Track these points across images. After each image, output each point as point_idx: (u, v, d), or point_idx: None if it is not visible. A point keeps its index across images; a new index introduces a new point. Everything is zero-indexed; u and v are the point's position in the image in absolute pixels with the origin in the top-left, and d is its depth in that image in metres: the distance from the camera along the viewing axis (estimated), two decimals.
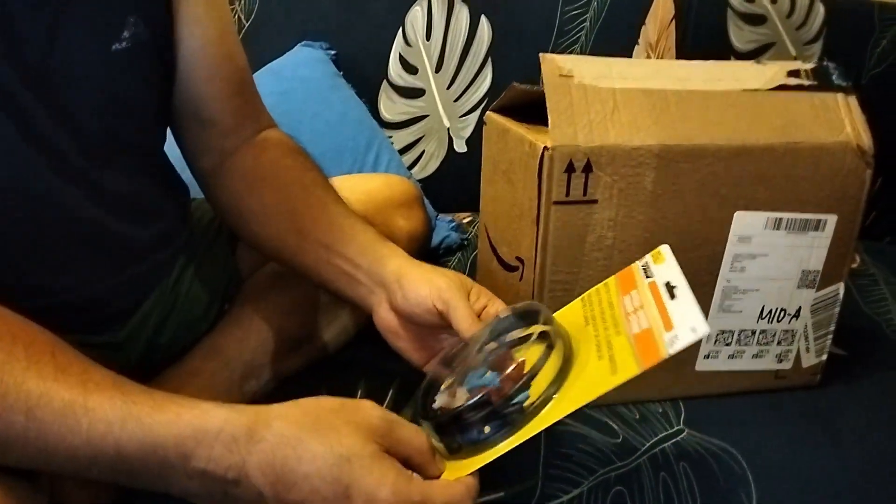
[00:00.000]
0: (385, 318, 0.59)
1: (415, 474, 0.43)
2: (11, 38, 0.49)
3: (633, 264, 0.52)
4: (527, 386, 0.45)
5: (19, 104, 0.50)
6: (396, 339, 0.59)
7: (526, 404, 0.45)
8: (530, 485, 0.59)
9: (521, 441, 0.44)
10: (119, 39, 0.57)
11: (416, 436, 0.45)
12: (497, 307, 0.56)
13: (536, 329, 0.50)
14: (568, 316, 0.53)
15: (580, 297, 0.54)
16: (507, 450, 0.45)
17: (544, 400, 0.45)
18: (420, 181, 1.20)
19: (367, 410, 0.44)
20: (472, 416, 0.45)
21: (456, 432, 0.46)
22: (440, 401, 0.49)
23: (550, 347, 0.47)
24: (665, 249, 0.50)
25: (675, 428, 0.66)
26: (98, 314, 0.64)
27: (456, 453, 0.46)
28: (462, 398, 0.47)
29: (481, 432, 0.45)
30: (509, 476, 0.60)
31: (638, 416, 0.67)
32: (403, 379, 0.69)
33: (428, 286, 0.56)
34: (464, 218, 1.18)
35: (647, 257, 0.51)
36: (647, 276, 0.49)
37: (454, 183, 1.22)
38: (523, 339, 0.51)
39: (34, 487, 0.46)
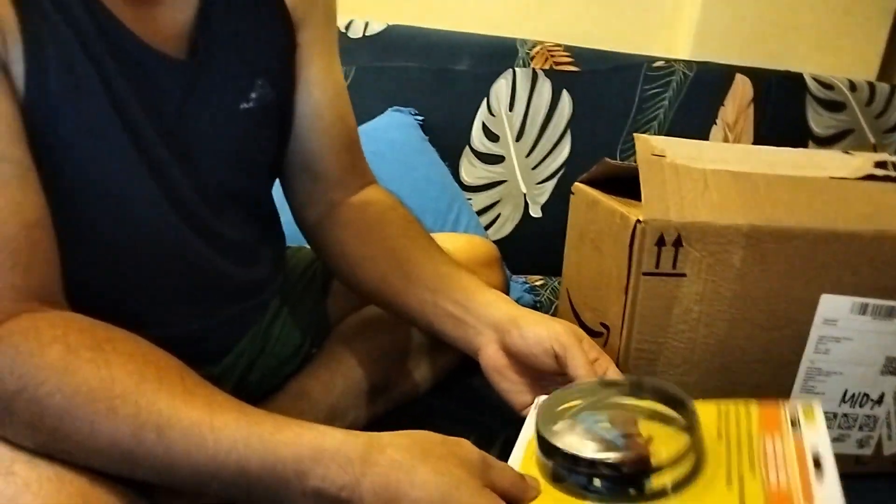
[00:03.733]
0: (493, 357, 0.61)
1: None
2: (152, 95, 0.55)
3: (780, 403, 0.53)
4: (653, 470, 0.46)
5: (154, 154, 0.56)
6: (501, 379, 0.61)
7: (646, 490, 0.46)
8: None
9: None
10: (247, 100, 0.63)
11: (507, 471, 0.48)
12: (606, 363, 0.59)
13: (673, 413, 0.51)
14: (700, 415, 0.53)
15: (715, 402, 0.55)
16: None
17: (661, 493, 0.46)
18: (494, 242, 1.24)
19: (467, 447, 0.47)
20: (595, 470, 0.46)
21: (570, 470, 0.47)
22: (560, 429, 0.50)
23: (689, 445, 0.48)
24: (818, 407, 0.52)
25: None
26: (199, 349, 0.68)
27: (556, 482, 0.48)
28: (589, 446, 0.48)
29: (591, 484, 0.47)
30: None
31: None
32: (483, 427, 0.71)
33: (547, 329, 0.59)
34: (536, 281, 1.21)
35: (798, 406, 0.52)
36: (794, 428, 0.50)
37: (528, 246, 1.26)
38: (654, 415, 0.53)
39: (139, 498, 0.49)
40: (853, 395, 0.68)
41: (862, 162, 0.70)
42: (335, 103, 0.73)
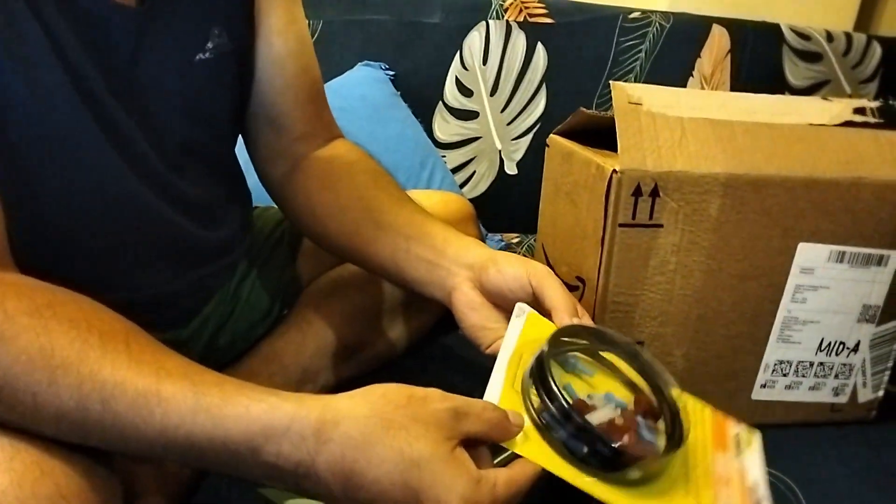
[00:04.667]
0: (467, 293, 0.60)
1: (482, 474, 0.43)
2: (101, 44, 0.52)
3: (728, 419, 0.56)
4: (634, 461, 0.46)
5: (105, 108, 0.52)
6: (473, 314, 0.60)
7: (621, 474, 0.46)
8: None
9: (583, 489, 0.45)
10: (203, 50, 0.60)
11: (486, 413, 0.45)
12: (582, 311, 0.57)
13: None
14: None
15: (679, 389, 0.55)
16: (572, 482, 0.45)
17: (628, 481, 0.46)
18: (470, 200, 1.22)
19: (434, 403, 0.44)
20: (591, 438, 0.45)
21: (563, 428, 0.46)
22: (559, 379, 0.49)
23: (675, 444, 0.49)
24: (757, 438, 0.55)
25: None
26: (165, 313, 0.66)
27: (541, 430, 0.47)
28: (600, 414, 0.48)
29: (579, 449, 0.46)
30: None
31: None
32: (456, 388, 0.70)
33: (525, 266, 0.58)
34: (512, 238, 1.19)
35: (742, 430, 0.55)
36: (739, 452, 0.53)
37: (503, 204, 1.25)
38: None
39: (109, 472, 0.48)
40: (829, 344, 0.68)
41: (840, 108, 0.69)
42: (298, 53, 0.70)
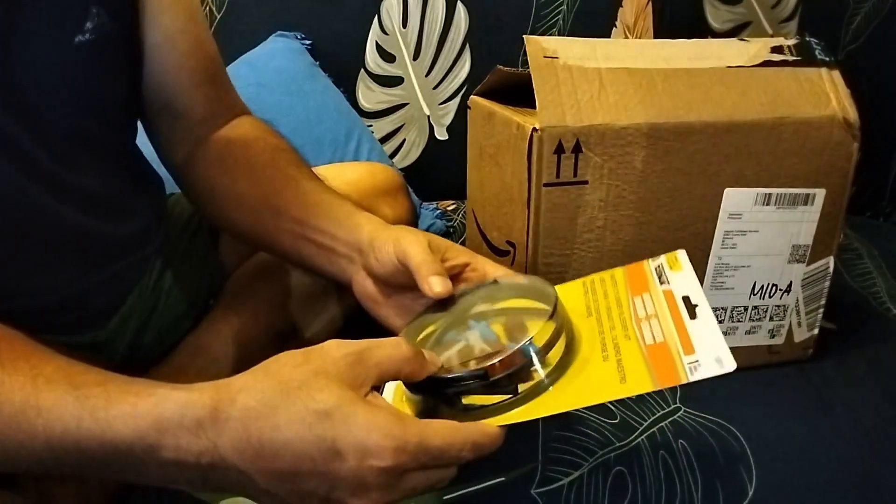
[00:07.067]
0: (363, 284, 0.56)
1: (409, 416, 0.41)
2: None
3: (644, 261, 0.50)
4: (524, 368, 0.43)
5: None
6: (376, 306, 0.56)
7: (521, 391, 0.43)
8: (530, 468, 0.59)
9: (505, 422, 0.42)
10: (82, 31, 0.55)
11: (394, 349, 0.42)
12: (481, 263, 0.54)
13: (536, 305, 0.48)
14: (567, 299, 0.50)
15: (581, 280, 0.52)
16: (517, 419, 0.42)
17: (537, 387, 0.43)
18: (402, 170, 1.19)
19: (332, 354, 0.41)
20: (466, 385, 0.43)
21: (438, 394, 0.44)
22: (446, 355, 0.47)
23: (557, 334, 0.44)
24: (682, 256, 0.48)
25: (672, 406, 0.66)
26: (78, 314, 0.62)
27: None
28: (466, 353, 0.45)
29: (458, 403, 0.43)
30: (509, 460, 0.59)
31: (634, 396, 0.67)
32: None
33: (393, 244, 0.53)
34: (448, 206, 1.17)
35: (662, 259, 0.49)
36: (662, 282, 0.47)
37: (436, 171, 1.22)
38: (517, 312, 0.50)
39: (17, 496, 0.45)
40: (762, 287, 0.68)
41: (758, 48, 0.68)
42: (188, 29, 0.65)
